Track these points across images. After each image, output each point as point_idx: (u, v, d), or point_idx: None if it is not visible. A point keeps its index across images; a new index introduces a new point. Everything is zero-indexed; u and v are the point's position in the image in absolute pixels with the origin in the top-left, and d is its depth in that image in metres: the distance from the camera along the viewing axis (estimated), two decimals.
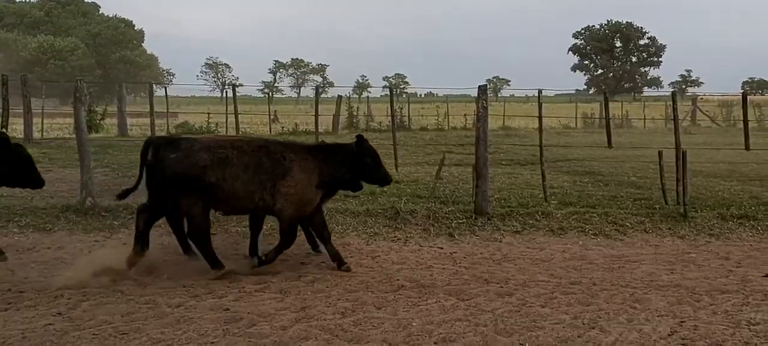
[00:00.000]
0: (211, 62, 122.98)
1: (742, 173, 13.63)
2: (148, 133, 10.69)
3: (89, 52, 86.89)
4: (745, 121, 12.97)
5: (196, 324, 5.34)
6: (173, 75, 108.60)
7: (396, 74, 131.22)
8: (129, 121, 25.86)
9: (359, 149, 7.01)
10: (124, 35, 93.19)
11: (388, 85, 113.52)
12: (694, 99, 41.24)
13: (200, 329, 5.22)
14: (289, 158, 6.72)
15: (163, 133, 22.53)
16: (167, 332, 5.18)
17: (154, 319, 5.46)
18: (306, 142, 7.27)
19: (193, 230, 6.68)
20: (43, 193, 9.31)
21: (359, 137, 7.09)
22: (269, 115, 29.12)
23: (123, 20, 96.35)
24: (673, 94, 11.79)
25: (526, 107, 42.77)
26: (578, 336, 5.17)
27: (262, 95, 73.87)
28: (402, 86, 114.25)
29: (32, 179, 7.18)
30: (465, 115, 30.84)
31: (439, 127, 30.54)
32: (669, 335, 5.22)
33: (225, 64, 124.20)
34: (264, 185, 6.62)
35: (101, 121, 24.63)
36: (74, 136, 10.17)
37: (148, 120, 10.37)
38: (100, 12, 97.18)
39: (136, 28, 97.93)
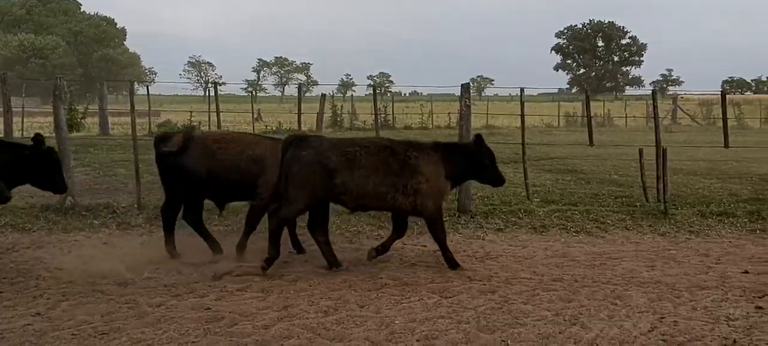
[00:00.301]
0: (194, 60, 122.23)
1: (721, 171, 13.80)
2: (129, 132, 10.56)
3: (70, 51, 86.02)
4: (725, 120, 13.14)
5: (177, 324, 5.30)
6: (155, 74, 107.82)
7: (380, 73, 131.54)
8: (110, 120, 25.65)
9: (477, 149, 7.11)
10: (106, 33, 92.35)
11: (372, 83, 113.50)
12: (674, 98, 41.63)
13: (181, 329, 5.18)
14: (414, 156, 6.84)
15: (145, 133, 22.36)
16: (148, 331, 5.13)
17: (134, 318, 5.41)
18: (426, 141, 7.40)
19: (284, 217, 6.74)
20: (21, 192, 9.20)
21: (478, 137, 7.20)
22: (253, 113, 29.05)
23: (104, 18, 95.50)
24: (654, 93, 11.89)
25: (510, 106, 42.96)
26: (559, 332, 5.19)
27: (245, 94, 73.54)
28: (386, 85, 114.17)
29: (57, 184, 7.18)
30: (449, 113, 30.98)
31: (424, 125, 30.64)
32: (649, 330, 5.26)
33: (208, 62, 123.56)
34: (396, 186, 6.73)
35: (82, 120, 24.41)
36: (54, 135, 10.05)
37: (129, 119, 10.21)
38: (82, 10, 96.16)
39: (118, 26, 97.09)
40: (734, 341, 5.03)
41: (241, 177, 7.18)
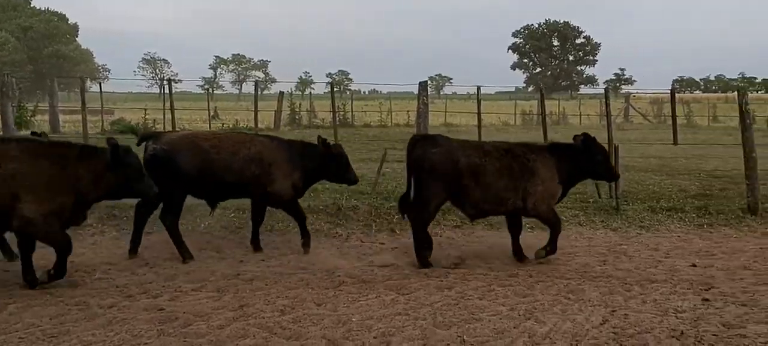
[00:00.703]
0: (149, 57, 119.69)
1: (671, 168, 14.17)
2: (80, 130, 10.28)
3: (20, 47, 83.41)
4: (674, 118, 13.48)
5: (129, 325, 5.19)
6: (109, 71, 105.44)
7: (340, 71, 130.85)
8: (61, 117, 24.98)
9: (586, 147, 7.32)
10: (57, 29, 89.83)
11: (331, 81, 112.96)
12: (627, 97, 42.51)
13: (133, 330, 5.08)
14: (532, 159, 7.12)
15: (98, 131, 21.86)
16: (98, 333, 5.02)
17: (84, 321, 5.28)
18: (542, 143, 7.60)
19: (423, 217, 7.02)
20: None
21: (586, 136, 7.38)
22: (209, 111, 28.64)
23: (55, 14, 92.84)
24: (606, 91, 12.13)
25: (467, 104, 43.34)
26: (514, 327, 5.26)
27: (202, 92, 72.46)
28: (345, 83, 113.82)
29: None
30: (408, 112, 31.00)
31: (382, 123, 30.67)
32: (601, 323, 5.38)
33: (163, 59, 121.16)
34: (517, 190, 7.04)
35: (32, 118, 23.66)
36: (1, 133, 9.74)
37: (81, 116, 9.93)
38: (32, 5, 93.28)
39: (69, 22, 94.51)
40: (682, 333, 5.18)
41: (237, 177, 7.20)
